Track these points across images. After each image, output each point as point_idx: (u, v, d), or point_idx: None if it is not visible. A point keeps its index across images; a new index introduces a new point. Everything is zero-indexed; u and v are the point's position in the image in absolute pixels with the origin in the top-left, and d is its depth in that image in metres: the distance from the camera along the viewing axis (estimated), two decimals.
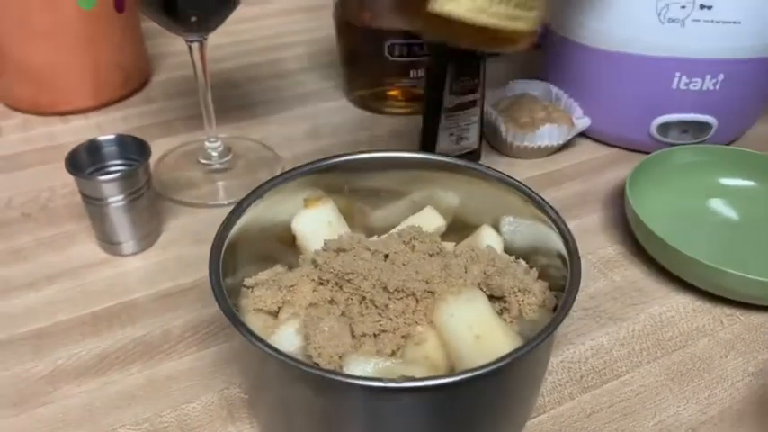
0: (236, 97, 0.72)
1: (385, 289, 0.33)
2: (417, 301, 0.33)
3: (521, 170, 0.61)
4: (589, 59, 0.60)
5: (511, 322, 0.36)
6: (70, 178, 0.47)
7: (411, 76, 0.66)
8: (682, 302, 0.47)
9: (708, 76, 0.56)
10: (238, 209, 0.38)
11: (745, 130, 0.63)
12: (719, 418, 0.39)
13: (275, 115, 0.70)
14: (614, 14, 0.56)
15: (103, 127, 0.66)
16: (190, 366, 0.42)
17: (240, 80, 0.76)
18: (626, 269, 0.50)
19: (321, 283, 0.35)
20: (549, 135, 0.60)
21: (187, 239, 0.52)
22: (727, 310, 0.46)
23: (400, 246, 0.36)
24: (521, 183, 0.40)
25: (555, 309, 0.37)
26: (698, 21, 0.53)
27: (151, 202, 0.50)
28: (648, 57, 0.56)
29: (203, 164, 0.60)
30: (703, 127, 0.59)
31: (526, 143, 0.60)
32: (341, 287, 0.34)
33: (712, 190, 0.55)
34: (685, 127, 0.59)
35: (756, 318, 0.46)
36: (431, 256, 0.36)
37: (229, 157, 0.60)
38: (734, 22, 0.53)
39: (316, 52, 0.83)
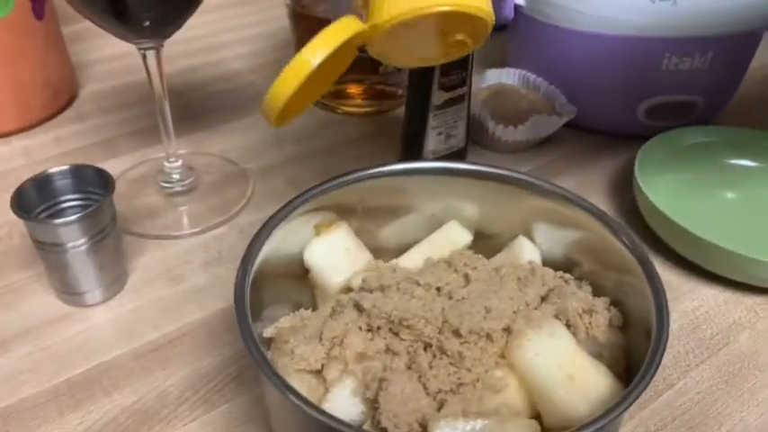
0: (181, 107, 0.64)
1: (455, 333, 0.28)
2: (492, 342, 0.28)
3: (512, 166, 0.57)
4: (571, 43, 0.56)
5: None
6: (7, 216, 0.39)
7: (380, 72, 0.61)
8: (711, 295, 0.45)
9: (697, 55, 0.54)
10: (254, 245, 0.32)
11: (724, 106, 0.62)
12: None
13: (230, 123, 0.63)
14: None
15: (33, 153, 0.57)
16: None
17: (181, 87, 0.68)
18: None
19: (370, 330, 0.30)
20: (536, 127, 0.56)
21: (161, 279, 0.45)
22: (758, 299, 0.45)
23: (451, 275, 0.32)
24: (561, 188, 0.37)
25: (621, 327, 0.33)
26: None
27: (118, 241, 0.43)
28: (638, 37, 0.53)
29: (163, 187, 0.52)
30: (690, 106, 0.57)
31: (516, 137, 0.56)
32: (397, 334, 0.29)
33: (719, 171, 0.53)
34: (672, 108, 0.57)
35: None
36: (487, 284, 0.31)
37: (192, 178, 0.53)
38: None
39: (259, 50, 0.76)
